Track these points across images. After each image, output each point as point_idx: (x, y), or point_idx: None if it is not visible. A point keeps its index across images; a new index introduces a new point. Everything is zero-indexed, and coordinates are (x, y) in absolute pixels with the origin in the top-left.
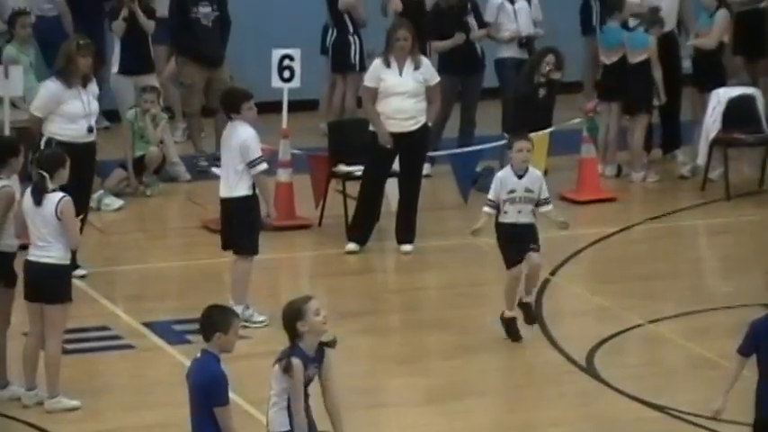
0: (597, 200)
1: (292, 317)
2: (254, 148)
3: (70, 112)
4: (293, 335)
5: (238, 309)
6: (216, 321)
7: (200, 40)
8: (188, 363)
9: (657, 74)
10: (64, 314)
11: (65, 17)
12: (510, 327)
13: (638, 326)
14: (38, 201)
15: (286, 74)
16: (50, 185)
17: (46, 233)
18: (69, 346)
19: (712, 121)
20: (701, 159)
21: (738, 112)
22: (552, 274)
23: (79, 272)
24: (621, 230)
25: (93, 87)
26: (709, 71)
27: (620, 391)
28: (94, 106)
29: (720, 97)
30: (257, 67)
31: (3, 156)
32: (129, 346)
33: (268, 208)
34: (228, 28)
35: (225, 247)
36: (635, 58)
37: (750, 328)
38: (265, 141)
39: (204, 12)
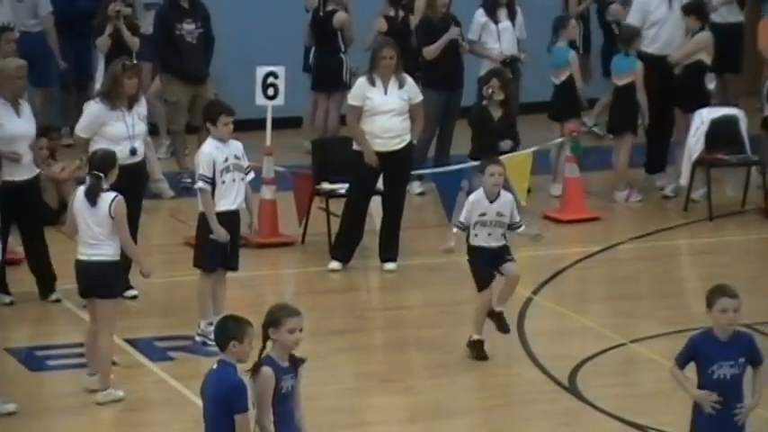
0: (581, 219)
1: (269, 321)
2: (201, 164)
3: (113, 134)
4: (265, 335)
5: (202, 324)
6: (230, 330)
7: (184, 57)
8: (170, 380)
9: (642, 97)
10: (114, 309)
11: (49, 33)
12: (478, 349)
13: (621, 345)
14: (93, 201)
15: (270, 91)
16: (105, 185)
17: (99, 232)
18: (51, 362)
19: (695, 142)
20: (684, 180)
21: (721, 133)
22: (535, 293)
23: (130, 292)
24: (604, 250)
25: (141, 108)
26: (692, 92)
27: (602, 410)
28: (139, 128)
29: (704, 118)
30: (241, 84)
31: None
32: (112, 363)
33: (212, 226)
34: (212, 45)
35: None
36: (620, 81)
37: (689, 342)
38: (249, 159)
39: (188, 29)
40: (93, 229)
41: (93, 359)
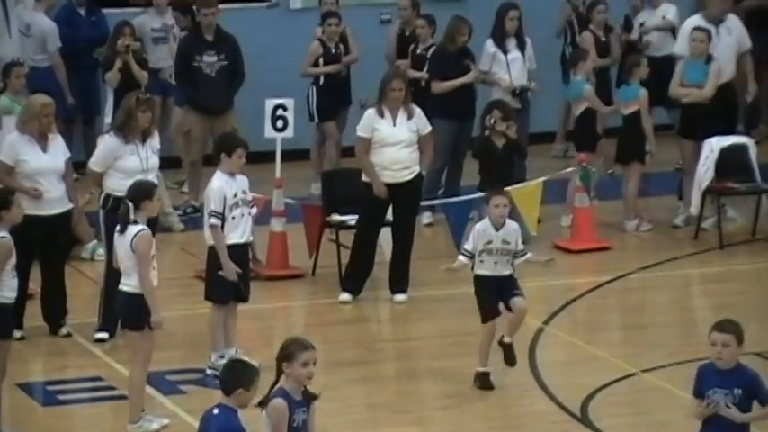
0: (591, 249)
1: (282, 355)
2: (212, 200)
3: (127, 168)
4: (278, 369)
5: (213, 356)
6: (239, 377)
7: (200, 88)
8: (181, 413)
9: (648, 125)
10: (144, 341)
11: (58, 68)
12: (483, 381)
13: (632, 375)
14: (121, 229)
15: (279, 123)
16: (133, 216)
17: (126, 262)
18: (62, 397)
19: (705, 171)
20: (695, 209)
21: (731, 162)
22: (546, 323)
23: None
24: (615, 279)
25: (154, 142)
26: (700, 121)
27: None
28: (153, 161)
29: (713, 146)
30: (251, 117)
31: None
32: (123, 397)
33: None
34: (238, 80)
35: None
36: (626, 110)
37: (696, 372)
38: (259, 191)
39: (209, 61)
40: (122, 259)
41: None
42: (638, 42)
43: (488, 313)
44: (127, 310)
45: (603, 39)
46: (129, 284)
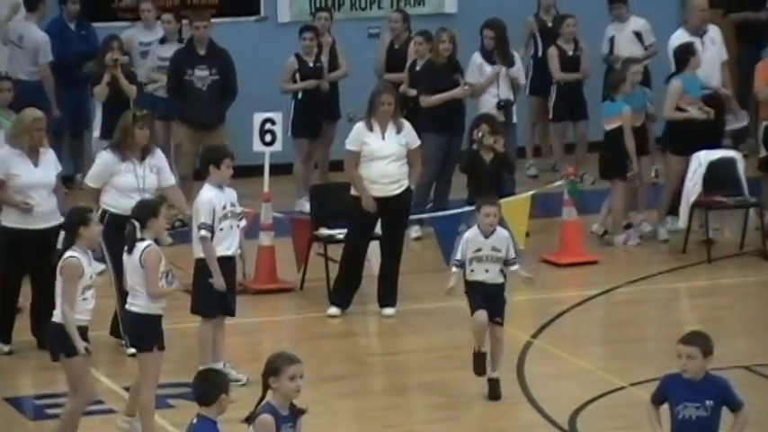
0: (579, 263)
1: (269, 370)
2: (201, 212)
3: (122, 185)
4: (265, 385)
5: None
6: (218, 384)
7: (189, 102)
8: (169, 427)
9: (629, 142)
10: (152, 363)
11: (47, 81)
12: (478, 360)
13: (621, 389)
14: (129, 249)
15: (267, 137)
16: (140, 234)
17: (136, 282)
18: (50, 411)
19: (693, 185)
20: (683, 222)
21: (719, 176)
22: (534, 336)
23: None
24: (603, 293)
25: (154, 161)
26: (691, 136)
27: None
28: (150, 181)
29: (701, 160)
30: (239, 130)
31: (73, 227)
32: (111, 411)
33: (213, 276)
34: (230, 95)
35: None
36: (608, 125)
37: (661, 381)
38: (247, 205)
39: (200, 75)
40: (132, 278)
41: (133, 399)
42: (607, 57)
43: (476, 306)
44: (135, 331)
45: (570, 53)
46: (136, 304)
